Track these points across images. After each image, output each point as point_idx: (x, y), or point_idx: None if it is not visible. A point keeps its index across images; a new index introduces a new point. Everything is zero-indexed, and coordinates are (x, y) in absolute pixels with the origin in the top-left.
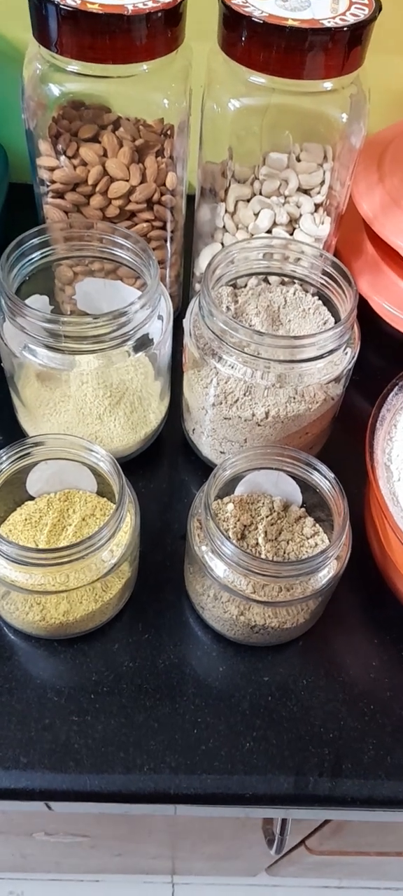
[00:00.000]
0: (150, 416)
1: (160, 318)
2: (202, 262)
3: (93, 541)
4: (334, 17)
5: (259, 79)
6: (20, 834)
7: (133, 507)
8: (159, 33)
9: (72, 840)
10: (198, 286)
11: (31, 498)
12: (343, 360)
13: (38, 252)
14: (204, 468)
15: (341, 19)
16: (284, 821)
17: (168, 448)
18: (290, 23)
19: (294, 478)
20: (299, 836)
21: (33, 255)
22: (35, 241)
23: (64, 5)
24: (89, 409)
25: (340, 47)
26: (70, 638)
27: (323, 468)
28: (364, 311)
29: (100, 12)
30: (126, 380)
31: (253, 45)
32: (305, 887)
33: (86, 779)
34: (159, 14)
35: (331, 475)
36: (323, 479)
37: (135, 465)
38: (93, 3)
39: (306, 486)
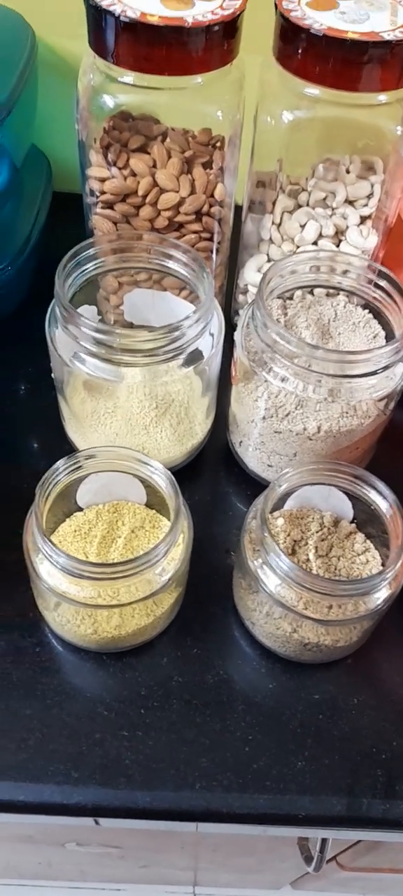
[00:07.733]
0: (196, 428)
1: (211, 334)
2: (247, 274)
3: (148, 557)
4: (393, 30)
5: (313, 91)
6: (52, 844)
7: (187, 522)
8: (216, 46)
9: (102, 851)
10: (241, 297)
11: (80, 509)
12: (397, 376)
13: (92, 263)
14: (247, 481)
15: (401, 32)
16: (324, 839)
17: (211, 460)
18: (350, 35)
19: (347, 494)
20: (332, 852)
21: (87, 266)
22: (90, 251)
23: (124, 17)
24: (136, 419)
25: (398, 60)
26: (118, 651)
27: (382, 486)
28: None
29: (160, 24)
30: (172, 392)
31: (310, 58)
32: None
33: (137, 795)
34: (218, 27)
35: (392, 496)
36: (381, 499)
37: (179, 477)
38: (152, 16)
39: (356, 501)
